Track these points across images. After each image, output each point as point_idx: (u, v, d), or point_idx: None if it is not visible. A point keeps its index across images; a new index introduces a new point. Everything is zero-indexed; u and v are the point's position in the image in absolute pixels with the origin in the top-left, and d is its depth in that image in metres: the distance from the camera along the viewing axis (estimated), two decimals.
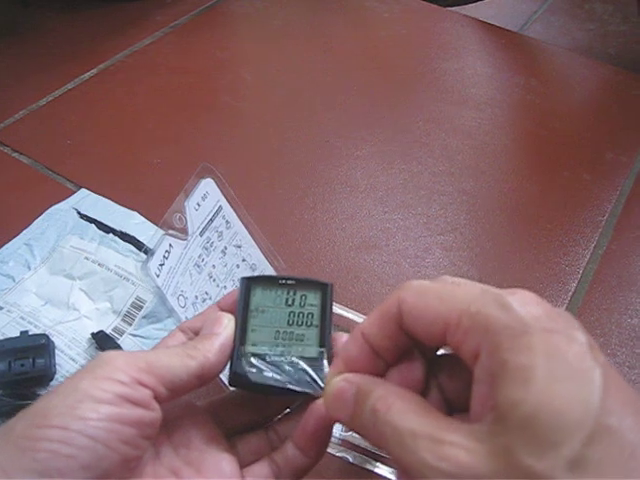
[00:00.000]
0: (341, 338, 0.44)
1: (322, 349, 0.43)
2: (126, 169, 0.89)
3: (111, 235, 0.77)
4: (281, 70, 1.12)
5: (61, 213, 0.79)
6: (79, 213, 0.79)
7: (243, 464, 0.43)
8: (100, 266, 0.73)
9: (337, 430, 0.61)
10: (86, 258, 0.74)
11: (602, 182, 0.93)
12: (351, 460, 0.60)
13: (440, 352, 0.39)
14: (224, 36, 1.20)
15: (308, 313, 0.44)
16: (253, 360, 0.42)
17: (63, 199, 0.82)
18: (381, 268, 0.79)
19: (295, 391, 0.41)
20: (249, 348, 0.42)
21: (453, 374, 0.37)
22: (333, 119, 1.01)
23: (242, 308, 0.44)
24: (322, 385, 0.40)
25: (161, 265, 0.56)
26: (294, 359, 0.42)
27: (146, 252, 0.75)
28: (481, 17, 1.30)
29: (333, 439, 0.61)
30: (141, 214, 0.80)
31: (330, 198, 0.87)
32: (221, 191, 0.62)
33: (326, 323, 0.44)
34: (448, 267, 0.79)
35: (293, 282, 0.45)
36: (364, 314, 0.70)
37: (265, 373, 0.41)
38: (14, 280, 0.72)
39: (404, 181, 0.91)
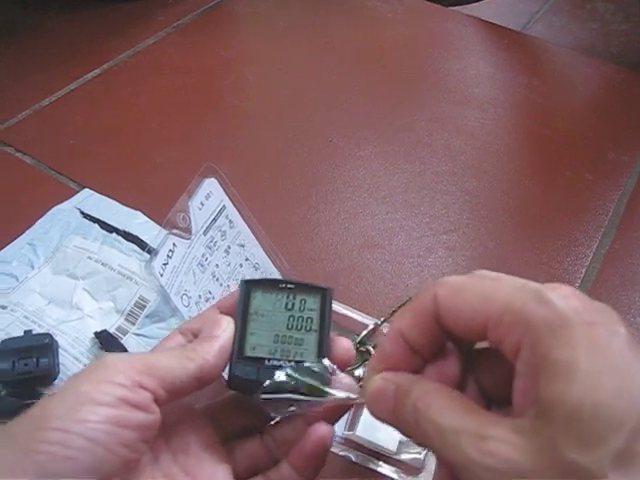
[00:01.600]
0: (340, 342, 0.44)
1: (321, 354, 0.43)
2: (129, 169, 0.89)
3: (114, 235, 0.77)
4: (285, 70, 1.12)
5: (64, 213, 0.80)
6: (82, 213, 0.79)
7: (239, 470, 0.43)
8: (103, 266, 0.73)
9: (340, 429, 0.62)
10: (89, 258, 0.74)
11: (605, 182, 0.93)
12: (354, 459, 0.60)
13: (476, 346, 0.38)
14: (227, 36, 1.20)
15: (307, 317, 0.44)
16: (252, 363, 0.42)
17: (66, 199, 0.82)
18: (384, 267, 0.79)
19: (294, 397, 0.41)
20: (248, 351, 0.42)
21: (490, 368, 0.37)
22: (336, 119, 1.01)
23: (242, 311, 0.44)
24: (324, 390, 0.41)
25: (165, 264, 0.56)
26: (293, 363, 0.42)
27: (149, 251, 0.75)
28: (483, 17, 1.30)
29: (336, 438, 0.61)
30: (144, 214, 0.80)
31: (333, 198, 0.87)
32: (224, 191, 0.62)
33: (325, 328, 0.44)
34: (451, 267, 0.79)
35: (293, 286, 0.45)
36: (367, 314, 0.70)
37: (265, 375, 0.42)
38: (18, 280, 0.72)
39: (407, 181, 0.91)
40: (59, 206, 0.81)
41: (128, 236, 0.77)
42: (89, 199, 0.82)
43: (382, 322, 0.67)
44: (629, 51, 1.37)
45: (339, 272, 0.74)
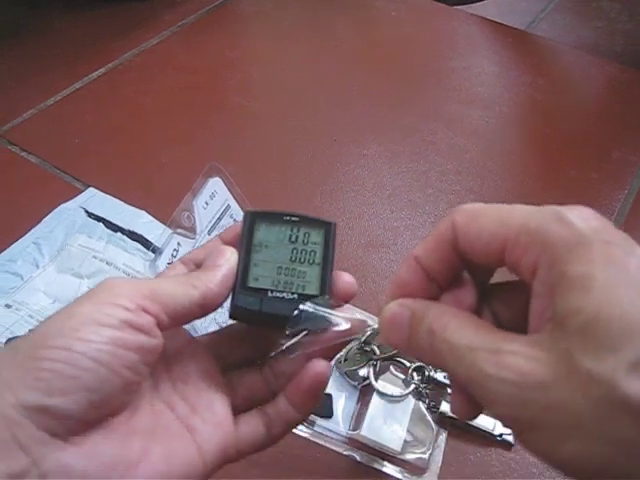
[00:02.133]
0: (342, 276, 0.44)
1: (323, 287, 0.43)
2: (134, 168, 0.89)
3: (119, 234, 0.77)
4: (290, 69, 1.12)
5: (69, 212, 0.80)
6: (87, 212, 0.80)
7: (237, 401, 0.43)
8: (108, 265, 0.73)
9: (344, 429, 0.62)
10: (94, 257, 0.74)
11: (610, 181, 0.93)
12: (358, 459, 0.60)
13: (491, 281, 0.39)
14: (232, 35, 1.20)
15: (311, 251, 0.44)
16: (255, 294, 0.42)
17: (71, 198, 0.82)
18: (389, 267, 0.79)
19: (296, 321, 0.41)
20: (251, 282, 0.42)
21: (506, 301, 0.37)
22: (341, 118, 1.01)
23: (245, 242, 0.43)
24: (328, 319, 0.41)
25: (169, 263, 0.56)
26: (295, 295, 0.42)
27: (154, 251, 0.75)
28: (488, 15, 1.30)
29: (340, 437, 0.61)
30: (149, 213, 0.80)
31: (337, 197, 0.87)
32: (229, 190, 0.62)
33: (328, 261, 0.43)
34: None
35: (297, 219, 0.44)
36: (371, 313, 0.70)
37: (267, 305, 0.42)
38: (22, 278, 0.72)
39: (411, 180, 0.91)
40: (64, 205, 0.81)
41: (133, 235, 0.77)
42: (94, 198, 0.82)
43: None
44: (634, 50, 1.37)
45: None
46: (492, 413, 0.31)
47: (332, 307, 0.42)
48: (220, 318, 0.58)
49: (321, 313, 0.41)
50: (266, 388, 0.44)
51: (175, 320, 0.38)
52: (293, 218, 0.44)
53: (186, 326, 0.43)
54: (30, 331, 0.35)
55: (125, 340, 0.35)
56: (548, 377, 0.29)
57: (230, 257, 0.42)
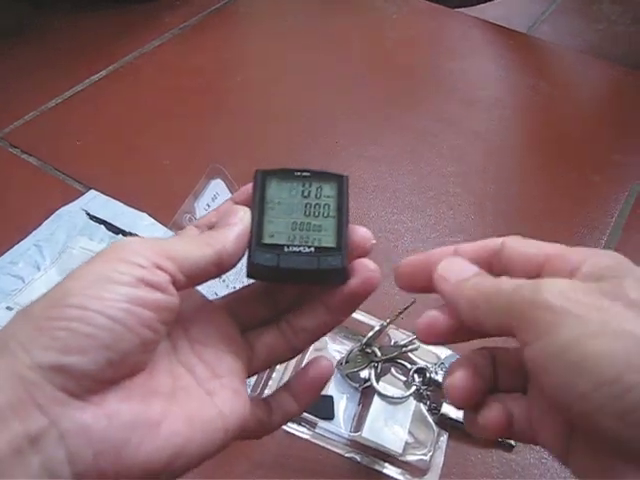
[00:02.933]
0: (358, 230, 0.43)
1: (340, 238, 0.42)
2: (135, 170, 0.89)
3: (120, 236, 0.77)
4: (290, 71, 1.12)
5: (70, 214, 0.80)
6: (88, 214, 0.80)
7: (257, 361, 0.43)
8: None
9: (346, 431, 0.62)
10: None
11: (611, 183, 0.93)
12: (359, 460, 0.60)
13: None
14: (233, 37, 1.20)
15: (325, 204, 0.43)
16: (271, 250, 0.41)
17: (72, 200, 0.82)
18: (390, 269, 0.78)
19: (318, 274, 0.41)
20: (267, 239, 0.42)
21: None
22: (342, 120, 1.01)
23: (258, 200, 0.43)
24: (345, 267, 0.42)
25: None
26: (312, 249, 0.42)
27: None
28: (489, 18, 1.30)
29: (341, 439, 0.61)
30: (150, 215, 0.80)
31: None
32: (231, 192, 0.62)
33: (343, 214, 0.43)
34: None
35: (308, 174, 0.44)
36: (373, 315, 0.70)
37: (285, 261, 0.41)
38: (24, 281, 0.72)
39: (413, 182, 0.91)
40: (65, 207, 0.81)
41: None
42: (95, 200, 0.82)
43: (388, 324, 0.67)
44: (636, 52, 1.37)
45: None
46: (533, 310, 0.34)
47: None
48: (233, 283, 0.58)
49: None
50: (286, 345, 0.44)
51: (191, 279, 0.38)
52: (304, 174, 0.44)
53: (206, 290, 0.43)
54: (43, 295, 0.34)
55: (141, 297, 0.34)
56: (595, 290, 0.33)
57: (244, 216, 0.42)
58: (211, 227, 0.43)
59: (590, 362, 0.31)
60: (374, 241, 0.44)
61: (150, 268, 0.35)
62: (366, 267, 0.43)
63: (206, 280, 0.40)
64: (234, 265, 0.40)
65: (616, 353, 0.30)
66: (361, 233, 0.43)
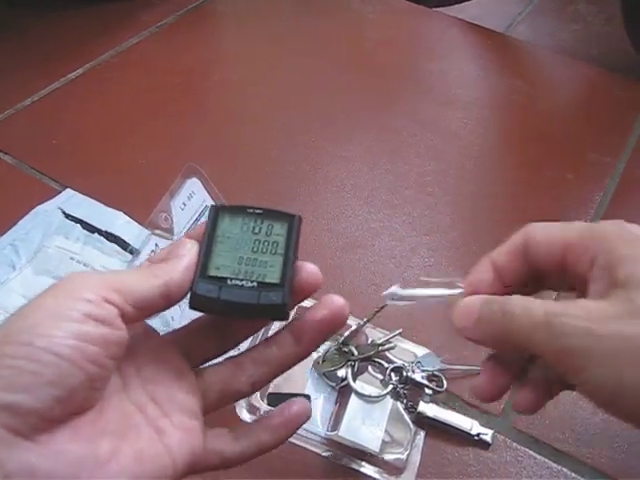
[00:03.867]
0: (305, 267, 0.43)
1: (285, 275, 0.42)
2: (112, 169, 0.89)
3: (96, 235, 0.77)
4: (268, 70, 1.12)
5: (46, 213, 0.79)
6: (64, 213, 0.79)
7: (211, 396, 0.43)
8: (85, 266, 0.73)
9: (323, 430, 0.62)
10: (71, 258, 0.74)
11: (586, 183, 0.94)
12: (337, 460, 0.60)
13: None
14: (211, 36, 1.20)
15: (273, 242, 0.43)
16: (214, 282, 0.41)
17: (48, 199, 0.82)
18: (367, 268, 0.79)
19: (258, 309, 0.41)
20: (212, 271, 0.42)
21: None
22: (319, 119, 1.01)
23: (208, 234, 0.43)
24: (286, 304, 0.41)
25: None
26: (255, 283, 0.42)
27: (131, 252, 0.75)
28: (467, 18, 1.30)
29: (318, 438, 0.61)
30: (127, 214, 0.80)
31: (316, 198, 0.87)
32: (207, 191, 0.62)
33: (290, 252, 0.43)
34: (434, 267, 0.80)
35: (261, 212, 0.44)
36: (350, 314, 0.70)
37: (226, 293, 0.41)
38: None
39: (390, 181, 0.91)
40: (41, 206, 0.80)
41: (110, 236, 0.77)
42: (71, 199, 0.82)
43: (365, 323, 0.67)
44: (611, 53, 1.38)
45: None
46: (556, 352, 0.37)
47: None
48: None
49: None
50: (244, 380, 0.43)
51: (140, 311, 0.38)
52: (257, 210, 0.44)
53: (159, 324, 0.43)
54: None
55: (88, 333, 0.34)
56: (612, 314, 0.35)
57: (191, 248, 0.42)
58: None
59: (628, 391, 0.34)
60: (320, 280, 0.44)
61: (97, 302, 0.35)
62: (332, 301, 0.44)
63: (156, 312, 0.40)
64: (183, 296, 0.41)
65: None
66: (308, 269, 0.43)
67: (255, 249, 0.43)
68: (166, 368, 0.41)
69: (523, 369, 0.44)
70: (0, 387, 0.31)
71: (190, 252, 0.41)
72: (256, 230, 0.44)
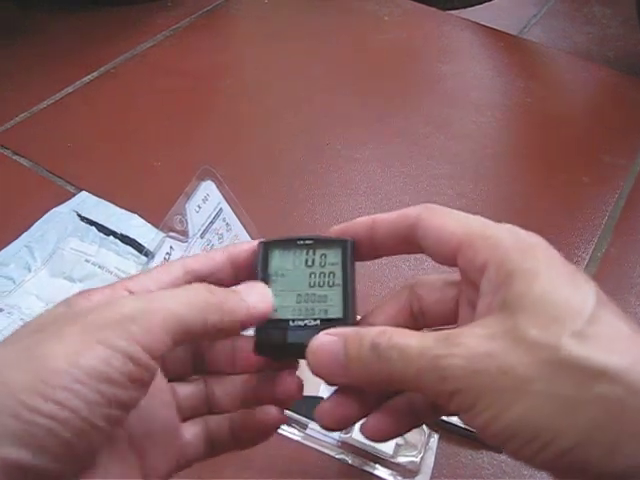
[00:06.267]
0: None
1: (347, 308, 0.41)
2: (127, 172, 0.89)
3: (111, 237, 0.77)
4: (281, 73, 1.12)
5: (61, 215, 0.80)
6: (79, 215, 0.80)
7: (181, 412, 0.42)
8: (100, 268, 0.73)
9: (337, 433, 0.62)
10: (86, 260, 0.74)
11: (601, 185, 0.94)
12: (350, 462, 0.60)
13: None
14: (224, 39, 1.20)
15: (330, 272, 0.42)
16: (277, 325, 0.40)
17: (64, 202, 0.82)
18: (380, 270, 0.79)
19: None
20: (272, 314, 0.40)
21: (436, 296, 0.43)
22: (333, 122, 1.01)
23: (262, 273, 0.42)
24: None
25: None
26: (318, 321, 0.41)
27: (146, 254, 0.75)
28: (480, 20, 1.30)
29: (332, 441, 0.61)
30: (142, 217, 0.80)
31: (330, 201, 0.87)
32: (222, 193, 0.62)
33: (348, 281, 0.42)
34: (447, 270, 0.79)
35: (311, 242, 0.43)
36: (359, 314, 0.70)
37: (292, 336, 0.40)
38: (14, 282, 0.72)
39: (403, 184, 0.91)
40: (56, 209, 0.81)
41: (125, 239, 0.77)
42: (86, 202, 0.82)
43: None
44: (625, 55, 1.38)
45: None
46: (443, 395, 0.33)
47: None
48: None
49: None
50: (211, 403, 0.43)
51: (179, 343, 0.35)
52: (307, 241, 0.43)
53: None
54: (22, 354, 0.32)
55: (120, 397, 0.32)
56: (496, 348, 0.32)
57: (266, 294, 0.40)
58: (201, 278, 0.40)
59: (512, 429, 0.31)
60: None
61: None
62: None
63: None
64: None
65: (531, 416, 0.31)
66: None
67: (312, 283, 0.42)
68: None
69: (387, 397, 0.40)
70: (31, 447, 0.29)
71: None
72: (309, 263, 0.42)
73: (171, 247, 0.57)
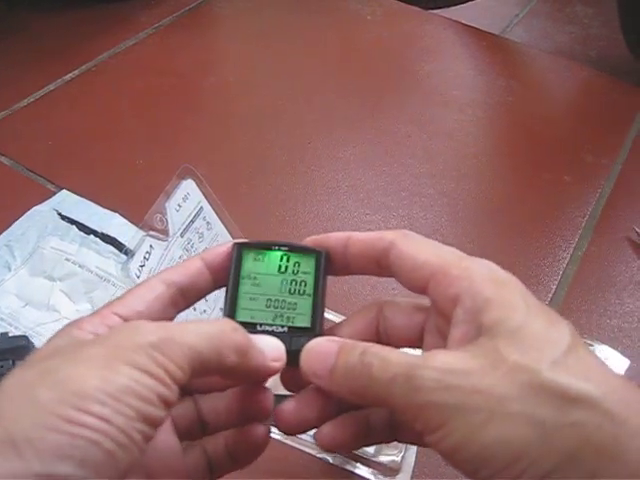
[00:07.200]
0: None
1: (315, 318, 0.41)
2: (107, 170, 0.89)
3: (92, 236, 0.77)
4: (264, 71, 1.12)
5: (42, 214, 0.79)
6: (60, 214, 0.79)
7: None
8: (81, 267, 0.73)
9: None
10: (67, 259, 0.74)
11: (582, 184, 0.94)
12: (331, 461, 0.60)
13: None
14: (207, 37, 1.20)
15: (301, 281, 0.42)
16: (244, 328, 0.38)
17: (44, 200, 0.81)
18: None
19: (290, 355, 0.39)
20: (240, 316, 0.41)
21: (402, 320, 0.42)
22: (315, 121, 1.01)
23: (233, 275, 0.41)
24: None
25: (141, 266, 0.56)
26: (285, 328, 0.41)
27: (127, 253, 0.75)
28: (463, 20, 1.30)
29: (313, 439, 0.61)
30: (123, 215, 0.80)
31: (311, 200, 0.87)
32: (202, 192, 0.62)
33: (319, 292, 0.42)
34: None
35: (286, 248, 0.43)
36: (342, 314, 0.70)
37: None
38: None
39: (385, 183, 0.91)
40: (37, 207, 0.80)
41: (106, 238, 0.77)
42: (67, 200, 0.82)
43: None
44: (608, 55, 1.38)
45: None
46: (412, 408, 0.33)
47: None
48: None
49: None
50: (203, 421, 0.42)
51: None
52: (282, 247, 0.43)
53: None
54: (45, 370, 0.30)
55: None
56: (474, 366, 0.32)
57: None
58: (182, 288, 0.40)
59: (486, 452, 0.31)
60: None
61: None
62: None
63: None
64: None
65: (507, 439, 0.31)
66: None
67: (283, 290, 0.42)
68: None
69: (347, 408, 0.40)
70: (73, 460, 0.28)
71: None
72: (282, 269, 0.42)
73: (151, 246, 0.57)
